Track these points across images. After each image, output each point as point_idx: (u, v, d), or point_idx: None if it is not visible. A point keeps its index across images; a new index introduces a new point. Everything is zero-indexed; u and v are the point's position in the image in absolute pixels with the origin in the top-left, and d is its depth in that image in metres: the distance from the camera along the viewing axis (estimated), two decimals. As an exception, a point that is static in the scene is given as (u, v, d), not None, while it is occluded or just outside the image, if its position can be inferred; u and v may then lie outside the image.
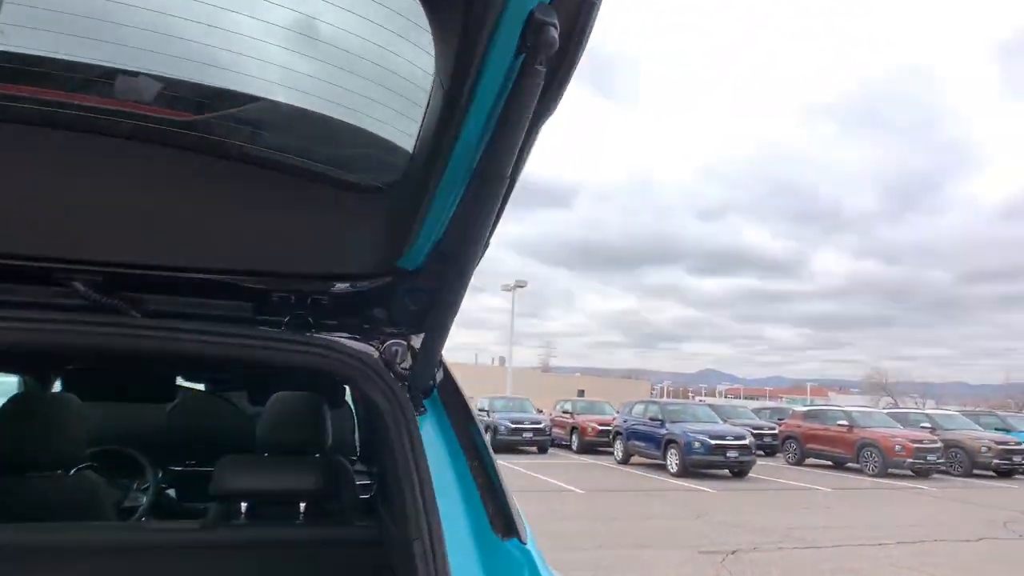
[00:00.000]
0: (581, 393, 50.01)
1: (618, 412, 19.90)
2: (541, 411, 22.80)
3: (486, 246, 1.34)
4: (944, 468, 17.58)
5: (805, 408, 22.86)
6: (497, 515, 1.34)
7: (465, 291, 1.29)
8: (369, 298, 1.60)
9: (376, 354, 1.56)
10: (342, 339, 1.57)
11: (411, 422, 1.42)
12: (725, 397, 74.30)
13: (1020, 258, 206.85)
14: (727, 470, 15.77)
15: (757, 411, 26.66)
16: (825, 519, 10.56)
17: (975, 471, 17.81)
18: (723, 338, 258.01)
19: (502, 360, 53.74)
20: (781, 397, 73.81)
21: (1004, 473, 17.95)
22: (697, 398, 58.52)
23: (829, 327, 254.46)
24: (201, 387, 3.39)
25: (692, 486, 13.91)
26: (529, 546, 1.31)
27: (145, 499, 2.61)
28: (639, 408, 18.34)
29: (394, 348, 1.55)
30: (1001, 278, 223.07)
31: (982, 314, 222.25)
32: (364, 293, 1.56)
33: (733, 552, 7.79)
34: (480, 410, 22.09)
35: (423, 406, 1.56)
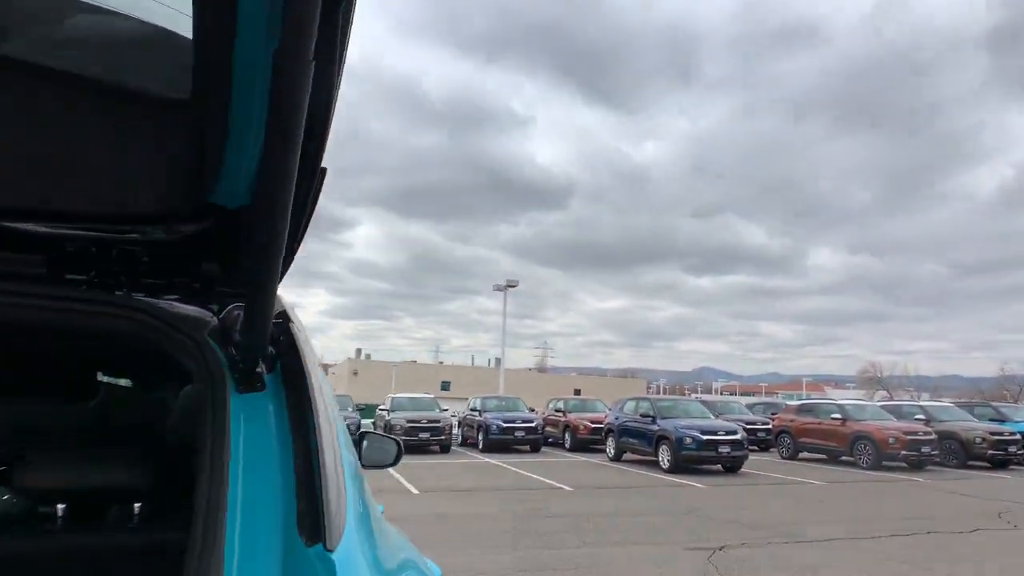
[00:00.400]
0: (577, 393, 49.82)
1: (610, 409, 19.70)
2: (534, 410, 22.59)
3: (319, 176, 1.05)
4: (939, 460, 17.42)
5: (798, 402, 22.68)
6: (306, 516, 1.08)
7: (285, 231, 0.96)
8: (193, 249, 1.30)
9: (214, 320, 1.28)
10: (166, 301, 1.29)
11: (218, 401, 1.15)
12: (721, 394, 74.14)
13: (1011, 251, 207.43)
14: (719, 465, 15.57)
15: (751, 406, 26.51)
16: (817, 513, 10.36)
17: (970, 462, 17.65)
18: (718, 335, 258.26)
19: (499, 361, 53.52)
20: (777, 393, 73.75)
21: (999, 464, 17.81)
22: (693, 395, 58.37)
23: (824, 323, 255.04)
24: (127, 382, 3.15)
25: (683, 482, 13.70)
26: (338, 554, 1.03)
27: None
28: (631, 405, 18.13)
29: (236, 312, 1.28)
30: (993, 271, 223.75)
31: (976, 307, 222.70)
32: (185, 242, 1.25)
33: (721, 548, 7.57)
34: (472, 410, 21.87)
35: (261, 381, 1.25)
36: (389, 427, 19.26)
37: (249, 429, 1.15)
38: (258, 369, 1.26)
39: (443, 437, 19.36)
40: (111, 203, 1.13)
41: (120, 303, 1.23)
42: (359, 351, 79.97)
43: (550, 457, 18.94)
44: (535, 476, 14.35)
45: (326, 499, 1.06)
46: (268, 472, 1.11)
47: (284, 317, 1.34)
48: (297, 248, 1.29)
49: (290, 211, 0.91)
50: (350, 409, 20.31)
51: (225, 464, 1.06)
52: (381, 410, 22.45)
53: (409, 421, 19.02)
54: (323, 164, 1.05)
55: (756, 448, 19.39)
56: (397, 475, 13.66)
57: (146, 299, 1.27)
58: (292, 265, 1.38)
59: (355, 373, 63.54)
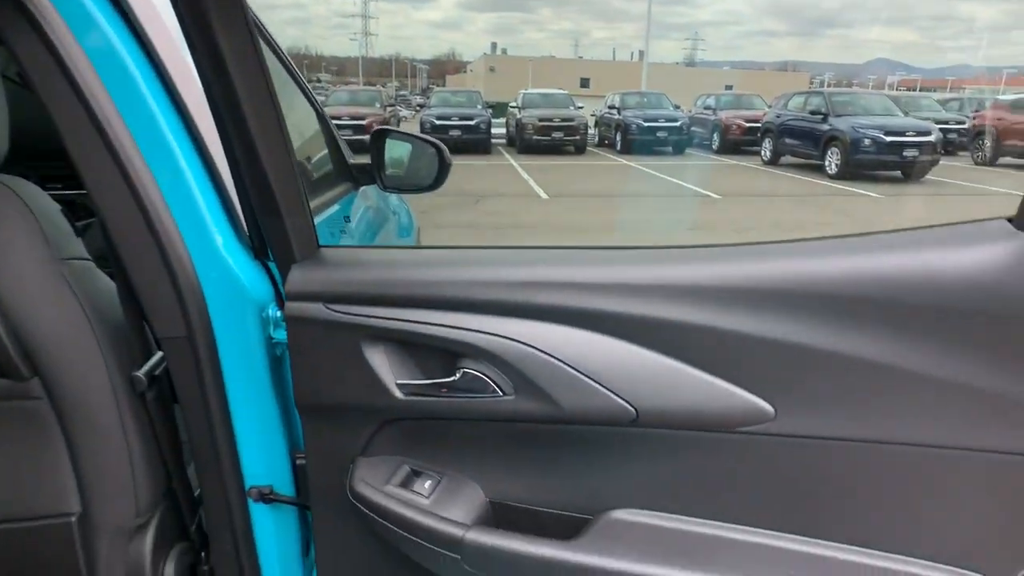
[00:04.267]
0: (729, 88, 45.38)
1: (770, 106, 17.14)
2: (679, 107, 20.32)
3: None
4: None
5: (1012, 96, 18.61)
6: None
7: None
8: None
9: None
10: None
11: None
12: (896, 89, 65.02)
13: None
14: (899, 172, 13.33)
15: (943, 103, 22.48)
16: None
17: None
18: (904, 20, 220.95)
19: (642, 55, 49.02)
20: (964, 88, 63.47)
21: None
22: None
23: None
24: None
25: (854, 190, 11.82)
26: None
27: None
28: (797, 100, 15.52)
29: None
30: None
31: None
32: None
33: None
34: (609, 107, 20.03)
35: None
36: (520, 126, 18.09)
37: None
38: None
39: (577, 137, 17.98)
40: None
41: None
42: (494, 45, 76.56)
43: (694, 159, 17.26)
44: (676, 180, 13.02)
45: None
46: None
47: None
48: None
49: None
50: (479, 107, 18.96)
51: None
52: (512, 107, 20.97)
53: (541, 120, 17.67)
54: None
55: (943, 152, 16.55)
56: (526, 176, 12.86)
57: None
58: None
59: (492, 69, 61.40)
